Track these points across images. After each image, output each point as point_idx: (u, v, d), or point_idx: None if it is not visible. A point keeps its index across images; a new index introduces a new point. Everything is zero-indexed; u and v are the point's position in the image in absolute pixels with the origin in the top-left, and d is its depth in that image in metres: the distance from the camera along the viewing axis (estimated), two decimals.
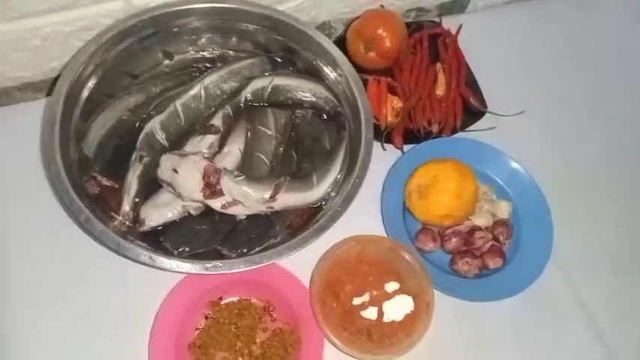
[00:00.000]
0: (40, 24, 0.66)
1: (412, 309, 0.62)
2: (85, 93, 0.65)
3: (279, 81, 0.70)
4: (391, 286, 0.63)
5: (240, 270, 0.57)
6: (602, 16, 0.93)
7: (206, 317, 0.62)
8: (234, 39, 0.73)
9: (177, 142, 0.66)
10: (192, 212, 0.63)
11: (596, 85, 0.85)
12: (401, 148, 0.73)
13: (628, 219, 0.75)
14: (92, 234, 0.55)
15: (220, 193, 0.61)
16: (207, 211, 0.63)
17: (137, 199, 0.62)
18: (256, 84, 0.70)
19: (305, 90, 0.71)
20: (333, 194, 0.65)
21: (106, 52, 0.66)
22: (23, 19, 0.64)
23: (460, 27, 0.83)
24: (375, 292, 0.62)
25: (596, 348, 0.66)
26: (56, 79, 0.64)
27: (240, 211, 0.63)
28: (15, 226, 0.65)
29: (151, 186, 0.63)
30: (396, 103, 0.76)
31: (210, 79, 0.69)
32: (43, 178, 0.66)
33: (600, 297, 0.69)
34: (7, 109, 0.72)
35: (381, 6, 0.82)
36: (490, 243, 0.68)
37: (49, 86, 0.74)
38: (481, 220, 0.69)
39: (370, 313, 0.61)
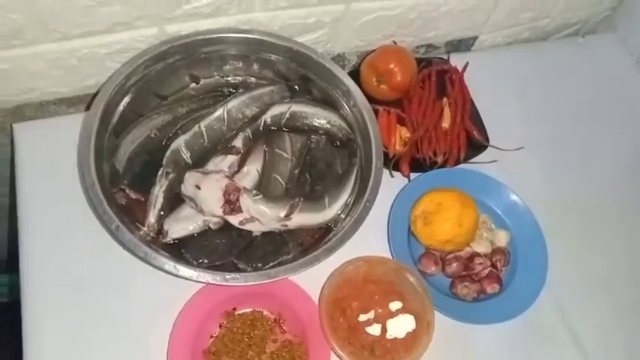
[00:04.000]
0: (78, 46, 0.70)
1: (414, 327, 0.65)
2: (119, 111, 0.69)
3: (297, 108, 0.74)
4: (395, 305, 0.66)
5: (256, 283, 0.60)
6: (600, 59, 0.98)
7: (220, 326, 0.65)
8: (255, 66, 0.77)
9: (200, 161, 0.70)
10: (212, 227, 0.66)
11: (593, 124, 0.90)
12: (408, 176, 0.77)
13: (619, 252, 0.79)
14: (122, 242, 0.59)
15: (239, 210, 0.65)
16: (226, 227, 0.66)
17: (162, 212, 0.66)
18: (275, 110, 0.74)
19: (320, 117, 0.75)
20: (343, 216, 0.69)
21: (140, 74, 0.69)
22: (64, 41, 0.68)
23: (466, 65, 0.88)
24: (379, 310, 0.66)
25: None
26: (93, 96, 0.68)
27: (256, 228, 0.66)
28: (46, 232, 0.68)
29: (174, 200, 0.67)
30: (404, 133, 0.80)
31: (233, 104, 0.73)
32: (76, 188, 0.69)
33: (589, 325, 0.73)
34: (42, 122, 0.76)
35: (394, 42, 0.87)
36: (488, 269, 0.72)
37: (84, 102, 0.78)
38: (481, 248, 0.73)
39: (374, 330, 0.65)
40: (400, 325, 0.65)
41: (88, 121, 0.65)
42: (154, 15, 0.69)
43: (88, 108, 0.76)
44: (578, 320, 0.73)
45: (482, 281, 0.71)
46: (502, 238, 0.74)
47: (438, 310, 0.67)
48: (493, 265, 0.72)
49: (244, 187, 0.66)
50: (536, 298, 0.70)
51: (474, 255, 0.72)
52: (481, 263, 0.71)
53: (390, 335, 0.65)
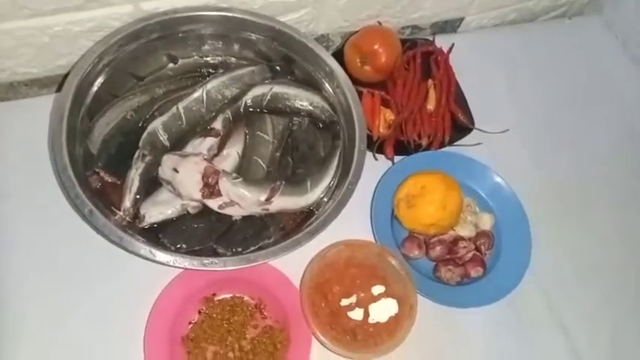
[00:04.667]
0: (50, 23, 0.67)
1: (396, 312, 0.64)
2: (92, 92, 0.67)
3: (279, 89, 0.73)
4: (377, 289, 0.65)
5: (235, 268, 0.59)
6: (586, 41, 0.97)
7: (199, 312, 0.64)
8: (236, 47, 0.76)
9: (178, 143, 0.68)
10: (190, 211, 0.65)
11: (578, 106, 0.90)
12: (392, 159, 0.77)
13: (602, 234, 0.79)
14: (95, 227, 0.58)
15: (218, 194, 0.64)
16: (205, 211, 0.65)
17: (138, 196, 0.64)
18: (256, 91, 0.73)
19: (303, 99, 0.73)
20: (325, 200, 0.68)
21: (114, 53, 0.68)
22: (34, 18, 0.66)
23: (452, 46, 0.86)
24: (361, 295, 0.65)
25: (568, 354, 0.70)
26: (64, 76, 0.66)
27: (236, 212, 0.65)
28: (18, 216, 0.66)
29: (151, 184, 0.66)
30: (388, 115, 0.79)
31: (213, 84, 0.71)
32: (47, 171, 0.68)
33: (572, 307, 0.73)
34: (14, 104, 0.74)
35: (379, 22, 0.86)
36: (472, 253, 0.71)
37: (56, 83, 0.76)
38: (465, 231, 0.73)
39: (356, 314, 0.64)
40: (383, 310, 0.64)
41: (59, 101, 0.63)
42: None
43: (60, 89, 0.73)
44: (563, 304, 0.73)
45: (466, 265, 0.70)
46: (486, 222, 0.74)
47: (421, 293, 0.66)
48: (477, 249, 0.72)
49: (223, 170, 0.65)
50: (519, 282, 0.70)
51: (457, 238, 0.71)
52: (465, 247, 0.71)
53: (372, 319, 0.64)
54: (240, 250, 0.64)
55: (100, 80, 0.68)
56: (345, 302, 0.65)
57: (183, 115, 0.69)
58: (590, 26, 0.99)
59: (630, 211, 0.82)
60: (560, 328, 0.71)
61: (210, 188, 0.64)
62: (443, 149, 0.78)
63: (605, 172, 0.84)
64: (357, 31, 0.83)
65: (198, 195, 0.64)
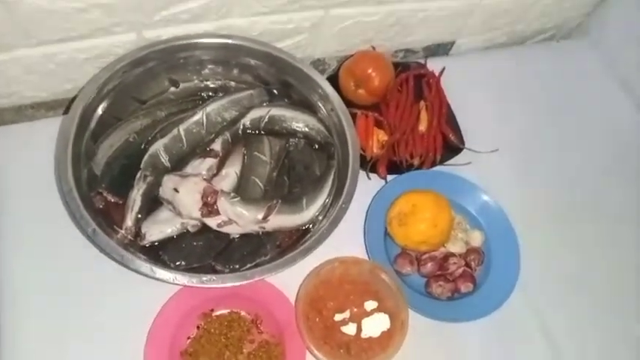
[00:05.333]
0: (56, 51, 0.70)
1: (388, 326, 0.66)
2: (97, 115, 0.69)
3: (276, 112, 0.75)
4: (370, 305, 0.67)
5: (233, 284, 0.61)
6: (574, 63, 1.00)
7: (198, 327, 0.66)
8: (235, 71, 0.78)
9: (178, 164, 0.71)
10: (189, 229, 0.67)
11: (566, 127, 0.92)
12: (384, 178, 0.79)
13: (590, 250, 0.81)
14: (98, 245, 0.60)
15: (217, 213, 0.66)
16: (204, 229, 0.67)
17: (139, 215, 0.67)
18: (254, 113, 0.75)
19: (299, 121, 0.76)
20: (320, 218, 0.70)
21: (118, 78, 0.70)
22: (42, 46, 0.69)
23: (443, 69, 0.89)
24: (355, 310, 0.67)
25: None
26: (70, 100, 0.69)
27: (234, 230, 0.67)
28: (23, 235, 0.68)
29: (152, 203, 0.68)
30: (381, 136, 0.81)
31: (212, 107, 0.74)
32: (53, 191, 0.70)
33: (561, 321, 0.74)
34: (21, 126, 0.76)
35: (372, 47, 0.89)
36: (462, 269, 0.73)
37: (63, 106, 0.79)
38: (455, 248, 0.74)
39: (350, 329, 0.66)
40: (375, 324, 0.66)
41: (65, 125, 0.65)
42: (132, 21, 0.70)
43: (66, 112, 0.76)
44: (551, 317, 0.74)
45: (456, 280, 0.72)
46: (476, 239, 0.76)
47: (413, 309, 0.68)
48: (467, 265, 0.74)
49: (222, 190, 0.67)
50: (508, 296, 0.71)
51: (448, 255, 0.73)
52: (455, 263, 0.73)
53: (365, 334, 0.66)
54: (237, 267, 0.66)
55: (104, 104, 0.70)
56: (338, 317, 0.66)
57: (183, 137, 0.72)
58: (577, 49, 1.02)
59: (616, 225, 0.84)
60: (548, 340, 0.73)
61: (209, 207, 0.66)
62: (434, 169, 0.80)
63: (588, 188, 0.86)
64: (351, 55, 0.86)
65: (197, 214, 0.66)
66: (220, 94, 0.77)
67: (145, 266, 0.60)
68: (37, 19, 0.64)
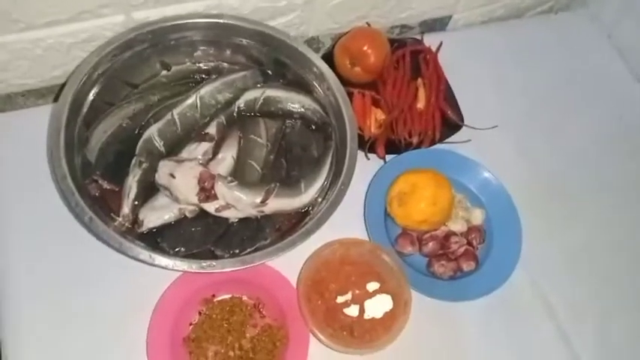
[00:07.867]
0: (43, 35, 0.68)
1: (391, 307, 0.66)
2: (88, 101, 0.68)
3: (271, 93, 0.74)
4: (372, 286, 0.67)
5: (233, 269, 0.61)
6: (573, 35, 0.99)
7: (200, 313, 0.65)
8: (228, 52, 0.77)
9: (173, 149, 0.70)
10: (187, 215, 0.66)
11: (565, 100, 0.91)
12: (383, 158, 0.78)
13: (592, 227, 0.81)
14: (95, 233, 0.59)
15: (214, 197, 0.65)
16: (202, 214, 0.66)
17: (136, 202, 0.66)
18: (249, 95, 0.74)
19: (294, 102, 0.74)
20: (319, 200, 0.69)
21: (108, 62, 0.69)
22: (28, 31, 0.67)
23: (440, 45, 0.88)
24: (357, 291, 0.67)
25: (559, 344, 0.72)
26: (61, 86, 0.67)
27: (232, 215, 0.67)
28: (19, 225, 0.68)
29: (149, 190, 0.67)
30: (379, 115, 0.80)
31: (206, 90, 0.72)
32: (47, 180, 0.69)
33: (563, 298, 0.74)
34: (11, 115, 0.75)
35: (367, 23, 0.87)
36: (464, 247, 0.73)
37: (53, 93, 0.77)
38: (456, 226, 0.74)
39: (352, 311, 0.66)
40: (378, 306, 0.66)
41: (56, 112, 0.64)
42: (119, 2, 0.68)
43: (56, 99, 0.74)
44: (553, 294, 0.74)
45: (458, 259, 0.72)
46: (477, 217, 0.75)
47: (414, 289, 0.68)
48: (469, 243, 0.73)
49: (219, 174, 0.66)
50: (511, 274, 0.71)
51: (449, 234, 0.73)
52: (457, 242, 0.72)
53: (367, 315, 0.66)
54: (237, 251, 0.65)
55: (95, 90, 0.69)
56: (340, 299, 0.66)
57: (177, 121, 0.70)
58: (576, 21, 1.00)
59: (617, 200, 0.83)
60: (551, 317, 0.73)
61: (207, 192, 0.65)
62: (433, 147, 0.79)
63: (592, 163, 0.86)
64: (346, 33, 0.84)
65: (194, 199, 0.65)
66: (213, 76, 0.75)
67: (144, 253, 0.59)
68: (23, 2, 0.63)
